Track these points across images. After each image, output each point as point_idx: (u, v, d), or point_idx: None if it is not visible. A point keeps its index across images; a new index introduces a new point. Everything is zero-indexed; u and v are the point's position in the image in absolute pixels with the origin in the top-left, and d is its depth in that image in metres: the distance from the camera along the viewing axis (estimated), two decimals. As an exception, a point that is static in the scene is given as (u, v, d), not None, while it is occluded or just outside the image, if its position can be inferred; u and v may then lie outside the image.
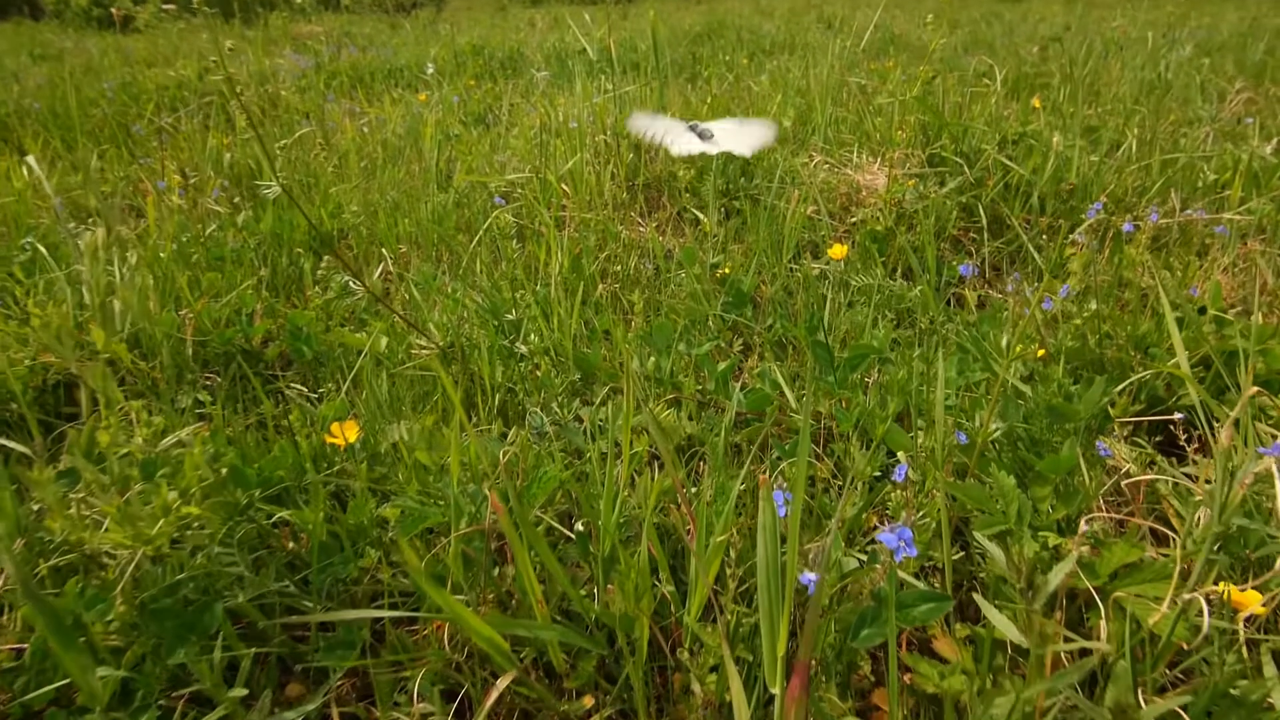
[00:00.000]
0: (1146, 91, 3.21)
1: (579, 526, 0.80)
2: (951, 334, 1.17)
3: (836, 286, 1.49)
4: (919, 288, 1.28)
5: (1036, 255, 1.49)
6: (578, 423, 0.98)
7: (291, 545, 0.92)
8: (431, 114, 2.92)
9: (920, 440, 0.86)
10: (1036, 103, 2.58)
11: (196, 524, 0.83)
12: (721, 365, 1.15)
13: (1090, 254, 1.36)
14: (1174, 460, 1.05)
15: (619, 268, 1.66)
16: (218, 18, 10.10)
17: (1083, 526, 0.73)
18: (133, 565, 0.75)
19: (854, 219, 1.69)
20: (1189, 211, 1.47)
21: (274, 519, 0.90)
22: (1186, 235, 1.60)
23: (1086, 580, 0.70)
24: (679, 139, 1.28)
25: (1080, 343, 1.10)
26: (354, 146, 2.79)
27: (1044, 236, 1.63)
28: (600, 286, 1.55)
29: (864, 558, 0.76)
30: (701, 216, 1.90)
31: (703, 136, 1.28)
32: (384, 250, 1.90)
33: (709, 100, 2.35)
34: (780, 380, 1.07)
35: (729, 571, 0.66)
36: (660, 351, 1.21)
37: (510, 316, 1.20)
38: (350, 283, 1.04)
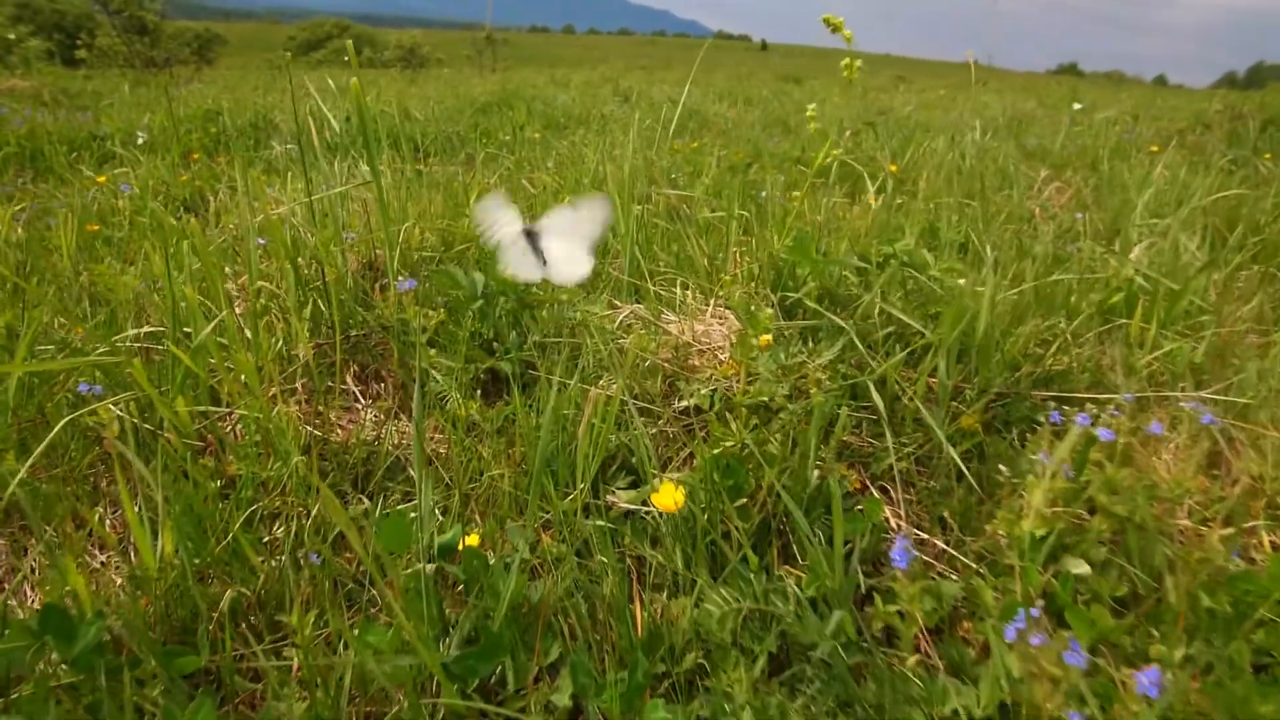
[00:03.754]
0: (962, 179, 3.05)
1: None
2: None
3: (666, 545, 0.85)
4: (831, 626, 0.67)
5: (973, 480, 0.96)
6: None
7: None
8: (69, 218, 1.96)
9: None
10: (873, 200, 2.22)
11: None
12: None
13: (1065, 484, 0.83)
14: None
15: (283, 528, 0.91)
16: None
17: None
18: None
19: (684, 403, 1.08)
20: (1186, 404, 1.03)
21: None
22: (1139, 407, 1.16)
23: None
24: (515, 253, 1.05)
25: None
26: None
27: (952, 412, 1.12)
28: (229, 590, 0.78)
29: None
30: (442, 380, 1.19)
31: (532, 238, 1.05)
32: None
33: (472, 199, 1.69)
34: None
35: None
36: None
37: None
38: None
